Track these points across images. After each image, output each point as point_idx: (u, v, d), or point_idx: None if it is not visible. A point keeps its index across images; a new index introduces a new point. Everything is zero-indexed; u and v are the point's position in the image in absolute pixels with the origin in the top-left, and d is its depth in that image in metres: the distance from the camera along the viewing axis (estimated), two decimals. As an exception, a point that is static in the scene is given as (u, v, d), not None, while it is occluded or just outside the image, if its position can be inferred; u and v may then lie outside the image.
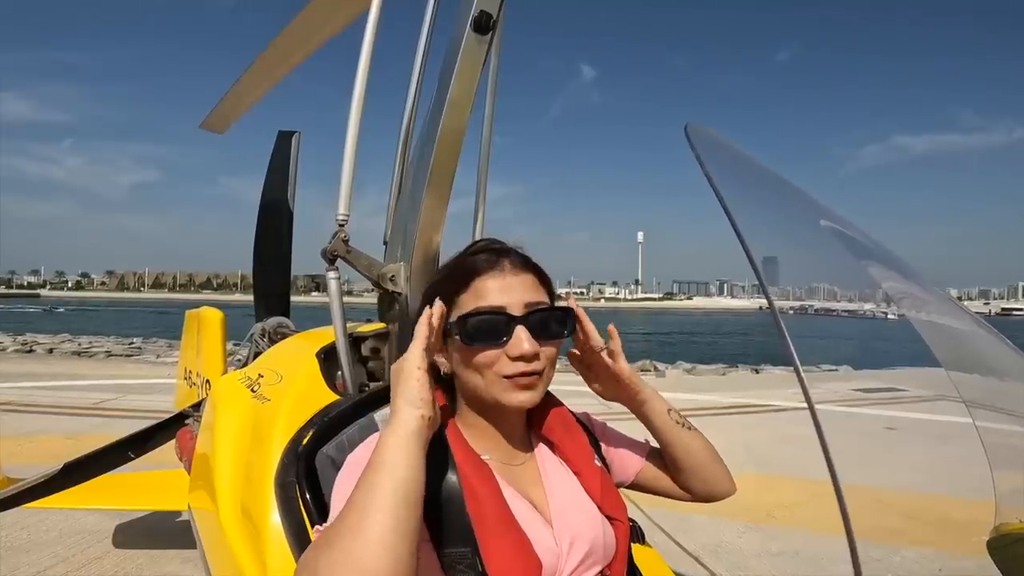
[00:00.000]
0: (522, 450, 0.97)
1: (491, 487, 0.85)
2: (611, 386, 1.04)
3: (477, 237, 1.59)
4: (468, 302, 0.88)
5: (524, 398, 0.88)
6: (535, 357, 0.86)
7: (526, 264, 0.92)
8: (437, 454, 0.85)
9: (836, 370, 12.14)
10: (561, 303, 0.94)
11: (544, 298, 0.91)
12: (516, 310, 0.86)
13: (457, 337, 0.87)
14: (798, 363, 0.50)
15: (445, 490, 0.83)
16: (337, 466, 1.03)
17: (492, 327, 0.86)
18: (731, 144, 0.75)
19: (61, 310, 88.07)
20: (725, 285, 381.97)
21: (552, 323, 0.89)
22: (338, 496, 0.80)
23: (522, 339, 0.85)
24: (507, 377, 0.86)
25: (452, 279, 0.91)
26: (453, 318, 0.88)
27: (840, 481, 0.48)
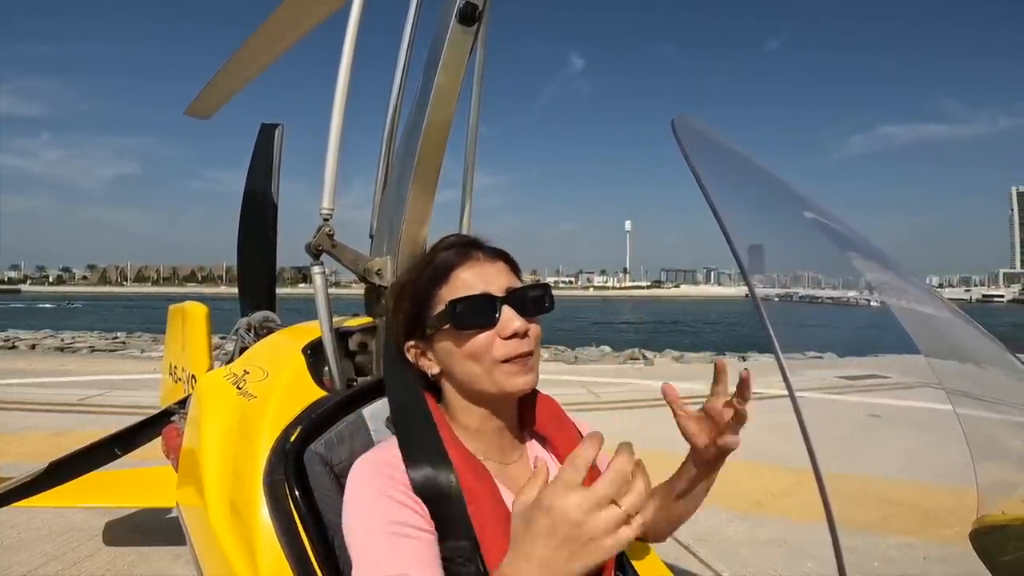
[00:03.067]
0: (515, 448, 0.98)
1: (489, 489, 0.86)
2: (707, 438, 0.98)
3: (464, 229, 1.59)
4: (449, 295, 0.89)
5: (526, 380, 0.89)
6: (526, 333, 0.89)
7: (497, 252, 0.95)
8: (435, 453, 0.85)
9: (821, 357, 12.27)
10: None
11: (518, 282, 0.94)
12: (498, 292, 0.89)
13: (448, 326, 0.88)
14: (780, 353, 0.50)
15: (444, 488, 0.83)
16: (326, 463, 1.03)
17: (480, 309, 0.88)
18: (719, 137, 0.75)
19: (78, 305, 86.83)
20: (712, 273, 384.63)
21: (533, 300, 0.92)
22: (355, 542, 0.80)
23: (511, 317, 0.88)
24: (505, 361, 0.88)
25: (428, 275, 0.92)
26: (436, 310, 0.90)
27: (822, 472, 0.48)
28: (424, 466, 0.84)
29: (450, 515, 0.82)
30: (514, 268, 0.96)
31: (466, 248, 0.94)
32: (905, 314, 0.75)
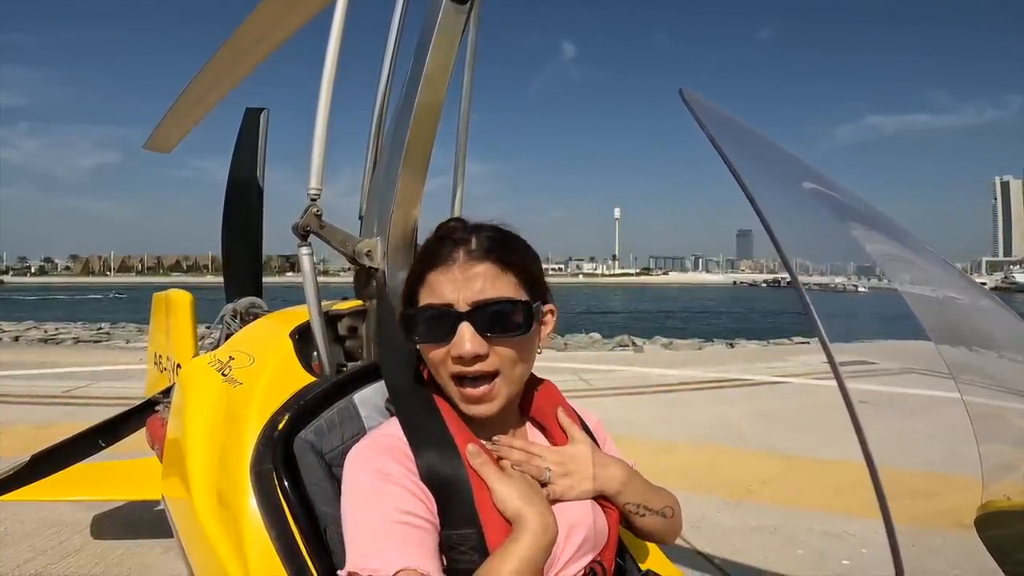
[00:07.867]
0: (514, 435, 0.95)
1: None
2: None
3: (456, 213, 1.55)
4: (423, 296, 0.85)
5: (479, 411, 0.84)
6: (479, 358, 0.81)
7: (488, 252, 0.83)
8: (441, 440, 0.83)
9: (807, 343, 12.36)
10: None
11: (506, 290, 0.82)
12: (463, 306, 0.81)
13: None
14: (824, 335, 0.47)
15: (452, 476, 0.81)
16: (316, 451, 1.00)
17: (435, 324, 0.82)
18: (722, 110, 0.72)
19: (124, 296, 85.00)
20: (700, 260, 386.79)
21: (507, 317, 0.82)
22: (357, 524, 0.77)
23: (464, 338, 0.80)
24: (454, 379, 0.83)
25: (418, 264, 0.88)
26: (409, 309, 0.87)
27: (877, 465, 0.46)
28: (431, 452, 0.81)
29: (457, 503, 0.80)
30: (510, 268, 0.84)
31: (454, 244, 0.84)
32: (913, 297, 0.73)
